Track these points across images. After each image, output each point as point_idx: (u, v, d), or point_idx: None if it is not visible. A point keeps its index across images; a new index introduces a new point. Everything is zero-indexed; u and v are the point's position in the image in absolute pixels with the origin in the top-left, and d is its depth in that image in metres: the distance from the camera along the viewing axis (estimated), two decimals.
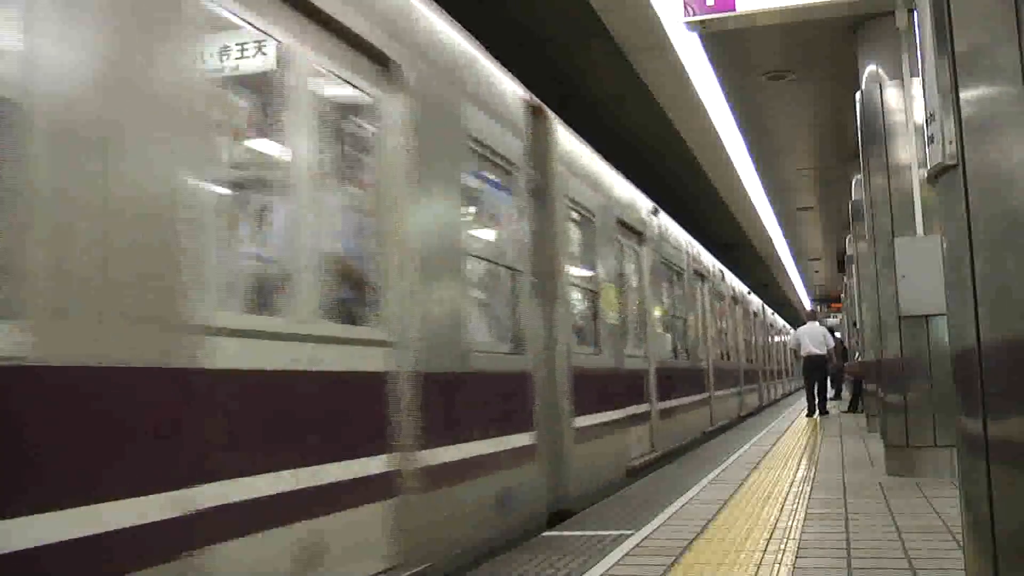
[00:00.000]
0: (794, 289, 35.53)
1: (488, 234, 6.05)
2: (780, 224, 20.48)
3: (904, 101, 7.31)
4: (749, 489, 6.67)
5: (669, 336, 11.29)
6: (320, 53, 3.66)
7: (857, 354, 15.64)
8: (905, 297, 6.66)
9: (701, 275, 13.66)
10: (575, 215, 7.27)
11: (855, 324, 16.51)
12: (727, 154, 13.68)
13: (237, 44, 3.58)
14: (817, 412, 15.49)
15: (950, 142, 2.06)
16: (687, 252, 12.48)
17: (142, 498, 2.49)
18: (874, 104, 7.49)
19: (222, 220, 3.52)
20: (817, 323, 16.61)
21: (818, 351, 15.30)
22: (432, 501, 4.20)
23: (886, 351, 7.33)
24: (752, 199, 17.31)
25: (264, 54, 3.57)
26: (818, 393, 15.67)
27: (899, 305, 6.74)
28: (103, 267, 2.45)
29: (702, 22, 7.77)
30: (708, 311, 14.01)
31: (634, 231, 9.35)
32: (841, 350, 17.90)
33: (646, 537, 4.94)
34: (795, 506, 5.80)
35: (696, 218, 16.67)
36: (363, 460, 3.73)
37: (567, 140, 7.05)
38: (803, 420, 14.93)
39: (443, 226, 4.76)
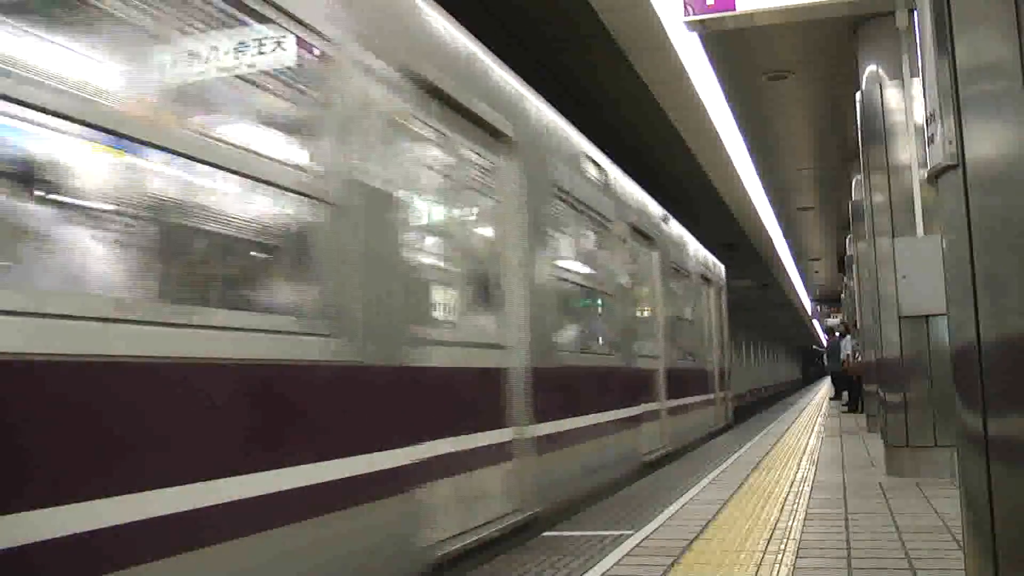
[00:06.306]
0: (794, 289, 35.52)
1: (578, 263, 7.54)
2: (780, 224, 20.49)
3: (904, 101, 7.32)
4: (749, 489, 6.67)
5: (712, 347, 14.38)
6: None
7: (857, 354, 15.90)
8: (905, 297, 6.66)
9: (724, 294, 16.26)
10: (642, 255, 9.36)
11: (855, 324, 16.64)
12: (727, 154, 13.67)
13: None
14: (840, 398, 20.89)
15: (950, 142, 2.06)
16: (718, 280, 15.20)
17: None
18: (874, 104, 7.48)
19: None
20: (842, 337, 21.49)
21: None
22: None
23: (886, 351, 7.33)
24: (752, 199, 17.31)
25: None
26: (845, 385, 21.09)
27: (899, 305, 6.74)
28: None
29: (702, 22, 7.77)
30: (725, 325, 16.75)
31: (683, 269, 11.57)
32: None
33: (646, 537, 4.94)
34: (795, 506, 5.80)
35: (696, 218, 16.66)
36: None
37: (626, 188, 8.91)
38: (803, 420, 15.80)
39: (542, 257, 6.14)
